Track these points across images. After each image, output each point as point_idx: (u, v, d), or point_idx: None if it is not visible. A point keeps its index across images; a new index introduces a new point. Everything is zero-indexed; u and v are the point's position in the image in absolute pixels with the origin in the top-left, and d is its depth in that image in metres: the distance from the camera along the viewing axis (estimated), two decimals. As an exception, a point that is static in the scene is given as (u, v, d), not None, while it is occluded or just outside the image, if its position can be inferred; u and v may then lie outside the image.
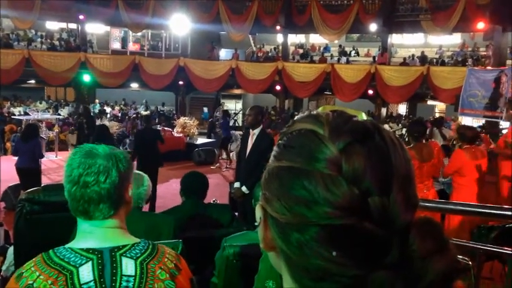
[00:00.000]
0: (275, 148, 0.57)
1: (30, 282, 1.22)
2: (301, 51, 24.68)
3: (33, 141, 7.36)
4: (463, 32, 20.36)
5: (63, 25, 24.01)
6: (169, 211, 3.29)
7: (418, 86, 17.68)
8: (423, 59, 20.70)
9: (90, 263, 1.27)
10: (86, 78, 19.44)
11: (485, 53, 20.73)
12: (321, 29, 20.03)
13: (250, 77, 19.69)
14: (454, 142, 5.13)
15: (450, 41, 22.85)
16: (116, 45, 23.53)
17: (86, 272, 1.25)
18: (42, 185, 4.48)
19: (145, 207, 2.95)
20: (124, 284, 1.28)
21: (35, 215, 3.00)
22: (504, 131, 6.01)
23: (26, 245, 2.94)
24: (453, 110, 13.57)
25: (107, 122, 14.80)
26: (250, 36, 24.05)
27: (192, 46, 22.57)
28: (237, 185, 5.46)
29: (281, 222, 0.52)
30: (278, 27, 20.79)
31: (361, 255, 0.50)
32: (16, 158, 7.52)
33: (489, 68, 12.94)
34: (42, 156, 7.61)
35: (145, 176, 2.71)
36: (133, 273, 1.29)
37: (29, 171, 7.16)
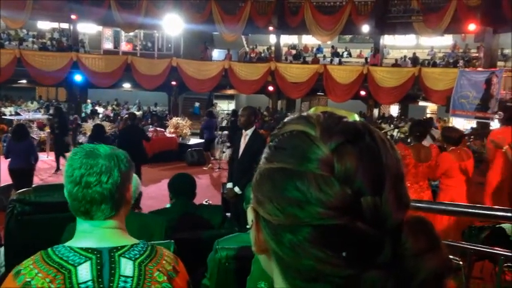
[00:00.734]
0: (266, 150, 0.58)
1: (28, 279, 1.22)
2: (293, 52, 24.72)
3: (25, 141, 7.30)
4: (454, 34, 20.50)
5: (55, 25, 23.83)
6: (159, 212, 3.28)
7: (409, 87, 17.77)
8: (415, 60, 20.81)
9: (88, 262, 1.27)
10: (78, 78, 19.33)
11: (476, 55, 20.88)
12: (314, 30, 20.08)
13: (243, 78, 19.69)
14: (444, 146, 5.16)
15: (442, 42, 23.00)
16: (108, 45, 23.44)
17: (85, 271, 1.25)
18: (34, 185, 4.46)
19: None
20: (122, 284, 1.27)
21: (26, 215, 2.98)
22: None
23: (17, 245, 2.92)
24: (444, 111, 13.67)
25: (99, 122, 14.72)
26: (243, 36, 24.04)
27: (184, 46, 22.53)
28: (229, 185, 5.46)
29: (273, 224, 0.53)
30: (271, 28, 20.82)
31: (354, 255, 0.50)
32: (5, 158, 7.43)
33: (480, 69, 13.05)
34: (37, 159, 7.55)
35: (133, 175, 2.70)
36: (131, 274, 1.29)
37: (22, 172, 7.09)
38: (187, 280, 1.42)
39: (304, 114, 0.58)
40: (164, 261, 1.36)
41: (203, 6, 20.47)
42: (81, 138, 14.06)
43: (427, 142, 5.43)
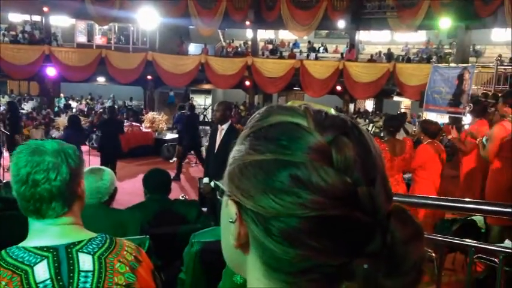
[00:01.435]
0: (250, 141, 0.56)
1: None
2: (270, 46, 24.74)
3: None
4: (428, 30, 20.82)
5: (27, 17, 23.25)
6: (134, 207, 3.25)
7: (384, 83, 18.01)
8: (389, 56, 21.09)
9: (45, 261, 1.23)
10: (51, 71, 18.93)
11: (449, 51, 21.30)
12: (290, 25, 20.12)
13: (220, 72, 19.62)
14: (421, 138, 5.24)
15: (415, 38, 23.37)
16: (82, 38, 23.00)
17: (42, 271, 1.22)
18: (4, 181, 4.36)
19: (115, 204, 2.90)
20: (82, 279, 1.25)
21: (-1, 212, 2.91)
22: (466, 127, 6.21)
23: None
24: (418, 106, 13.91)
25: (74, 114, 14.45)
26: (219, 31, 23.94)
27: (160, 40, 22.28)
28: (206, 180, 5.46)
29: (265, 216, 0.52)
30: (247, 23, 20.78)
31: (349, 244, 0.51)
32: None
33: (453, 65, 13.30)
34: (1, 153, 7.38)
35: (106, 170, 2.66)
36: (91, 269, 1.27)
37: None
38: (151, 269, 1.40)
39: (288, 105, 0.58)
40: (125, 252, 1.34)
41: (179, -1, 20.30)
42: (54, 133, 13.79)
43: (399, 136, 5.51)
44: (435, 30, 20.27)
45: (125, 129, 13.08)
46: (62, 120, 14.09)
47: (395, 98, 20.64)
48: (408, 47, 23.45)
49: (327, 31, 24.94)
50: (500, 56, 18.08)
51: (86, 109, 20.87)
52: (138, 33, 23.04)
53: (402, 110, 20.61)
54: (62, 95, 22.10)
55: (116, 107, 18.90)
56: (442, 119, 10.23)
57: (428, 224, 4.52)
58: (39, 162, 1.25)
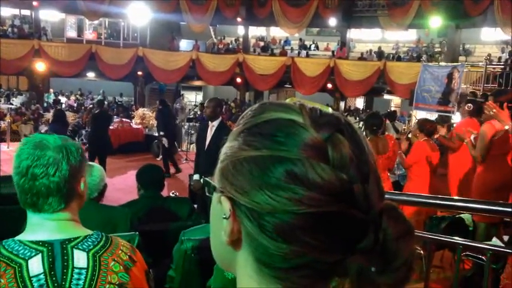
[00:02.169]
0: (245, 137, 0.55)
1: None
2: (261, 43, 24.70)
3: None
4: (418, 29, 20.93)
5: (16, 11, 22.96)
6: (127, 204, 3.24)
7: (375, 81, 18.10)
8: (380, 54, 21.16)
9: (39, 255, 1.23)
10: (40, 66, 18.76)
11: (439, 49, 21.43)
12: (282, 22, 20.12)
13: (211, 69, 19.57)
14: (410, 135, 5.27)
15: (406, 37, 23.46)
16: (72, 33, 22.75)
17: (36, 265, 1.22)
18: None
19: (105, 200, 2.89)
20: (76, 276, 1.25)
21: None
22: (455, 125, 6.27)
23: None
24: (408, 105, 13.99)
25: (59, 108, 14.33)
26: (210, 27, 23.85)
27: (151, 36, 22.14)
28: (196, 177, 5.44)
29: (260, 212, 0.52)
30: (239, 19, 20.74)
31: (343, 240, 0.52)
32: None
33: (442, 64, 13.39)
34: None
35: (96, 166, 2.65)
36: (85, 266, 1.27)
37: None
38: (145, 270, 1.40)
39: (283, 102, 0.58)
40: (120, 251, 1.34)
41: (170, -5, 20.19)
42: (44, 129, 13.68)
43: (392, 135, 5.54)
44: (425, 29, 20.38)
45: (115, 125, 13.13)
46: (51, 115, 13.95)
47: (386, 96, 20.75)
48: (399, 46, 23.55)
49: (318, 29, 24.97)
50: (489, 55, 18.23)
51: (75, 105, 20.70)
52: (129, 29, 22.86)
53: (392, 108, 20.72)
54: (51, 90, 21.89)
55: (106, 102, 18.80)
56: (431, 117, 10.31)
57: (417, 222, 4.56)
58: (40, 156, 1.25)
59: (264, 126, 0.55)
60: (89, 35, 22.82)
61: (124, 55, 19.81)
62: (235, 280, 0.59)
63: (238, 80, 19.58)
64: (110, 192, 2.89)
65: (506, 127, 3.69)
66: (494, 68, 13.45)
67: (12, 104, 18.68)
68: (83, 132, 13.97)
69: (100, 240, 1.33)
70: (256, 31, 25.07)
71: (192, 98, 24.44)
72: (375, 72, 17.90)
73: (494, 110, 3.93)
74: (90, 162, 2.77)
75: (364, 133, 5.49)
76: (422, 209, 4.55)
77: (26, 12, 22.20)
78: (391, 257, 0.53)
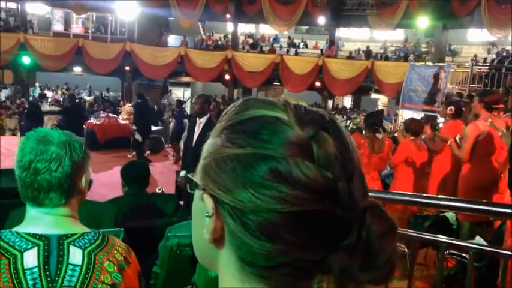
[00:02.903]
0: (228, 134, 0.55)
1: None
2: (250, 41, 24.67)
3: None
4: (406, 28, 21.07)
5: (2, 4, 22.60)
6: (111, 201, 3.22)
7: (362, 80, 18.17)
8: (368, 54, 21.27)
9: (35, 248, 1.23)
10: (26, 60, 18.53)
11: (426, 49, 21.60)
12: (271, 19, 20.10)
13: (199, 65, 19.49)
14: (404, 135, 5.31)
15: (394, 36, 23.61)
16: (58, 27, 22.47)
17: (31, 258, 1.22)
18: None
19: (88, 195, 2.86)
20: (69, 272, 1.25)
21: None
22: (441, 125, 6.33)
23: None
24: (395, 104, 14.10)
25: (47, 107, 14.19)
26: (199, 23, 23.74)
27: (139, 31, 21.97)
28: (183, 173, 5.43)
29: (243, 211, 0.51)
30: (228, 16, 20.67)
31: (327, 238, 0.52)
32: None
33: (429, 64, 13.50)
34: None
35: None
36: (79, 263, 1.27)
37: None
38: (138, 271, 1.41)
39: (266, 99, 0.58)
40: (115, 251, 1.34)
41: (159, -10, 20.04)
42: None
43: (379, 134, 5.58)
44: (413, 29, 20.54)
45: (102, 120, 13.03)
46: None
47: (373, 95, 20.86)
48: (386, 45, 23.69)
49: (307, 27, 25.01)
50: (475, 56, 18.43)
51: (61, 99, 20.47)
52: (117, 23, 22.65)
53: (379, 107, 20.86)
54: (37, 84, 21.61)
55: (89, 98, 18.62)
56: (417, 116, 10.40)
57: (402, 220, 4.60)
58: (43, 151, 1.25)
59: (247, 124, 0.54)
60: (76, 29, 22.57)
61: (111, 50, 19.64)
62: (218, 278, 0.59)
63: (227, 76, 19.54)
64: (95, 188, 2.87)
65: (500, 134, 3.75)
66: (480, 69, 13.59)
67: (-3, 98, 18.43)
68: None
69: (96, 239, 1.33)
70: (245, 28, 25.03)
71: (180, 94, 24.32)
72: (362, 71, 17.98)
73: (490, 120, 4.00)
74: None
75: (363, 131, 5.53)
76: (407, 207, 4.59)
77: (12, 5, 21.87)
78: (374, 255, 0.53)
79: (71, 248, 1.27)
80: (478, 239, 3.66)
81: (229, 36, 23.11)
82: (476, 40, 21.40)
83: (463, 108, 5.57)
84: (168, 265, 2.31)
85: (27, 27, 20.78)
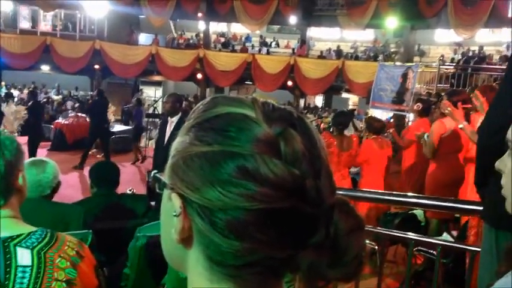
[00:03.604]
0: (196, 132, 0.55)
1: None
2: (222, 39, 24.62)
3: None
4: (375, 29, 21.40)
5: (-36, -1, 21.91)
6: (80, 202, 3.16)
7: (334, 79, 18.37)
8: (339, 53, 21.52)
9: None
10: (-9, 58, 17.99)
11: (395, 49, 21.98)
12: (242, 18, 20.10)
13: (171, 64, 19.32)
14: (366, 134, 5.42)
15: (364, 36, 23.95)
16: (25, 24, 21.88)
17: None
18: None
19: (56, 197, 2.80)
20: (20, 275, 1.21)
21: None
22: (410, 123, 6.46)
23: None
24: (365, 103, 14.30)
25: (13, 106, 13.78)
26: (171, 22, 23.53)
27: (109, 29, 21.60)
28: (154, 173, 5.37)
29: (211, 209, 0.51)
30: (200, 14, 20.55)
31: (295, 236, 0.51)
32: None
33: (398, 63, 13.74)
34: None
35: (50, 163, 2.56)
36: (29, 264, 1.23)
37: None
38: (94, 265, 1.38)
39: (235, 96, 0.58)
40: (66, 247, 1.31)
41: (129, -13, 19.75)
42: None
43: (349, 132, 5.66)
44: (382, 30, 20.87)
45: (70, 120, 12.77)
46: (3, 109, 13.35)
47: (344, 95, 21.12)
48: (357, 45, 24.01)
49: (279, 26, 25.10)
50: (442, 56, 18.87)
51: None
52: (86, 21, 22.21)
53: (350, 107, 21.11)
54: (3, 83, 20.99)
55: (57, 97, 18.20)
56: (388, 115, 10.58)
57: (371, 218, 4.67)
58: None
59: (215, 121, 0.54)
60: (43, 26, 22.03)
61: (80, 48, 19.26)
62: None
63: (199, 75, 19.43)
64: (63, 189, 2.81)
65: (460, 126, 3.82)
66: (447, 69, 13.90)
67: (-40, 97, 17.81)
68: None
69: (45, 236, 1.29)
70: (217, 27, 24.94)
71: (151, 93, 24.02)
72: (333, 71, 18.18)
73: (449, 109, 4.07)
74: (44, 158, 2.67)
75: (330, 129, 5.59)
76: (374, 205, 4.67)
77: (-25, 1, 21.19)
78: (342, 251, 0.53)
79: (18, 249, 1.23)
80: (445, 235, 3.76)
81: (201, 34, 23.00)
82: (443, 41, 21.89)
83: (433, 107, 5.68)
84: (137, 266, 2.28)
85: (-8, 24, 20.19)
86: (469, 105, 4.18)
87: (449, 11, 16.48)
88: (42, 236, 1.29)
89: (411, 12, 17.28)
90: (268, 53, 21.85)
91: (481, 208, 2.00)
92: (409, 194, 4.21)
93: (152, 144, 12.12)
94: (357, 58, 21.01)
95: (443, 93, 6.13)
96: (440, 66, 13.05)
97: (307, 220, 0.52)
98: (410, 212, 4.44)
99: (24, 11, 21.81)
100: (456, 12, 16.37)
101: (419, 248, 3.57)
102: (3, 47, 18.11)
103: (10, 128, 11.25)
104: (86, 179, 3.39)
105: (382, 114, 10.69)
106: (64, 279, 1.25)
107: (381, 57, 19.74)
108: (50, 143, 12.58)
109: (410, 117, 8.30)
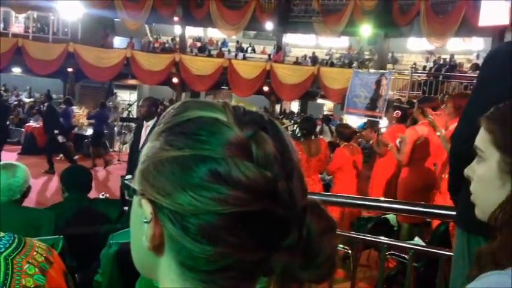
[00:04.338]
0: (166, 136, 0.54)
1: None
2: (199, 44, 24.53)
3: None
4: (350, 36, 21.68)
5: None
6: (51, 207, 3.09)
7: (309, 85, 18.51)
8: (314, 60, 21.71)
9: None
10: (-41, 59, 17.48)
11: (369, 57, 22.32)
12: (219, 23, 20.11)
13: (146, 68, 19.15)
14: (337, 141, 5.49)
15: (339, 43, 24.22)
16: (-4, 25, 21.41)
17: None
18: None
19: (27, 202, 2.74)
20: None
21: None
22: (383, 130, 6.56)
23: None
24: (340, 109, 14.45)
25: None
26: (146, 25, 23.34)
27: (83, 31, 21.28)
28: (129, 178, 5.31)
29: (183, 214, 0.50)
30: (176, 19, 20.46)
31: (267, 238, 0.52)
32: None
33: (372, 70, 13.96)
34: None
35: (20, 167, 2.51)
36: None
37: None
38: (63, 271, 1.35)
39: (206, 100, 0.57)
40: (35, 253, 1.28)
41: (104, -10, 19.52)
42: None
43: (326, 137, 5.71)
44: (357, 37, 21.15)
45: (42, 123, 12.50)
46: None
47: (319, 101, 21.28)
48: (332, 52, 24.28)
49: (255, 32, 25.18)
50: (415, 63, 19.27)
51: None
52: (59, 23, 21.84)
53: (325, 112, 21.30)
54: (-29, 85, 20.46)
55: (29, 100, 17.78)
56: (361, 121, 10.70)
57: (345, 222, 4.72)
58: None
59: (186, 125, 0.54)
60: (15, 28, 21.56)
61: (53, 50, 18.92)
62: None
63: (175, 80, 19.31)
64: (34, 193, 2.75)
65: (438, 133, 3.92)
66: (419, 76, 14.22)
67: None
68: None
69: (12, 242, 1.27)
70: (193, 31, 24.86)
71: (126, 97, 23.74)
72: (309, 77, 18.32)
73: (431, 117, 4.17)
74: (14, 162, 2.61)
75: (298, 135, 5.64)
76: (347, 210, 4.73)
77: None
78: (314, 253, 0.54)
79: None
80: (417, 239, 3.82)
81: (177, 39, 22.88)
82: (416, 49, 22.32)
83: (412, 113, 5.81)
84: (110, 273, 2.24)
85: (-39, 25, 19.66)
86: (440, 112, 4.29)
87: (421, 20, 16.85)
88: (9, 241, 1.26)
89: (385, 21, 17.60)
90: (244, 58, 21.88)
91: (451, 213, 2.05)
92: (382, 198, 4.29)
93: (126, 148, 11.98)
94: (332, 65, 21.23)
95: (414, 100, 6.26)
96: (413, 74, 13.34)
97: (279, 222, 0.52)
98: (383, 216, 4.51)
99: (-5, 12, 21.32)
100: (428, 21, 16.74)
101: (392, 252, 3.62)
102: (-27, 48, 17.67)
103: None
104: (58, 183, 3.32)
105: (356, 120, 10.81)
106: (32, 286, 1.23)
107: (355, 64, 20.00)
108: (20, 146, 12.31)
109: (383, 123, 8.43)
